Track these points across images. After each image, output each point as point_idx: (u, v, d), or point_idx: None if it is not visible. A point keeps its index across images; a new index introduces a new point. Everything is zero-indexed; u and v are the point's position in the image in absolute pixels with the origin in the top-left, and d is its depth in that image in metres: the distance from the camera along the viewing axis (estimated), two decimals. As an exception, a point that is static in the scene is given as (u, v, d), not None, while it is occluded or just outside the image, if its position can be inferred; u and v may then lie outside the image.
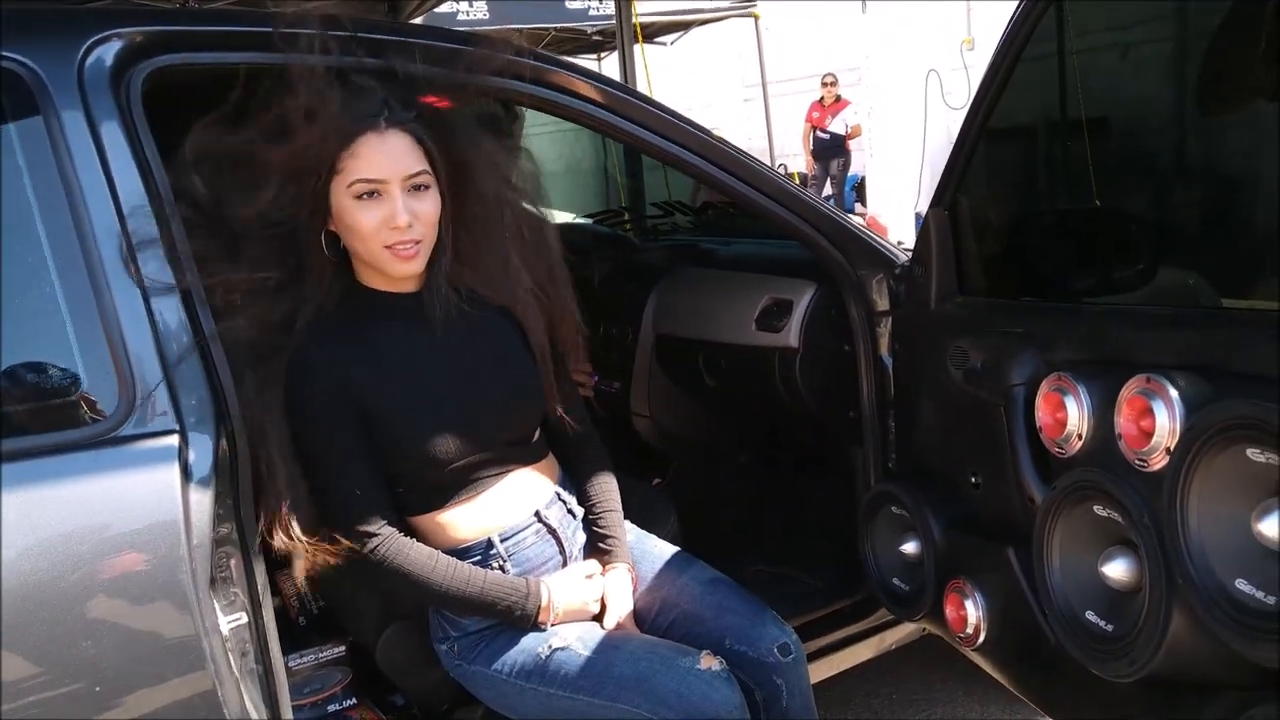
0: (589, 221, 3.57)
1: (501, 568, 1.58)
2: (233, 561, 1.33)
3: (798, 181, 10.21)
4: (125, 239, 1.27)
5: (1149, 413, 1.31)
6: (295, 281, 1.49)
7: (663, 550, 1.76)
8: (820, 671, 2.03)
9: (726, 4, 10.07)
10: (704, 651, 1.51)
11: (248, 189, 1.42)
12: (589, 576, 1.64)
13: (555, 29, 8.89)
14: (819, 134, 10.89)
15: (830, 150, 10.87)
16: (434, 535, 1.57)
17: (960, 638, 1.77)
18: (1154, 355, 1.39)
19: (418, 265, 1.50)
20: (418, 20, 5.14)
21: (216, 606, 1.27)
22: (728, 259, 2.63)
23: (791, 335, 2.10)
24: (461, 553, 1.57)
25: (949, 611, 1.78)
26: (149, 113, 1.35)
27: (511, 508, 1.60)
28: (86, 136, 1.29)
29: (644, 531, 1.81)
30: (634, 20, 6.71)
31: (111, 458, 1.23)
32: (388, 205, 1.44)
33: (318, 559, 1.46)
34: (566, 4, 9.01)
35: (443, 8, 7.21)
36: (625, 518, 1.74)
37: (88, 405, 1.25)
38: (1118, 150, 1.83)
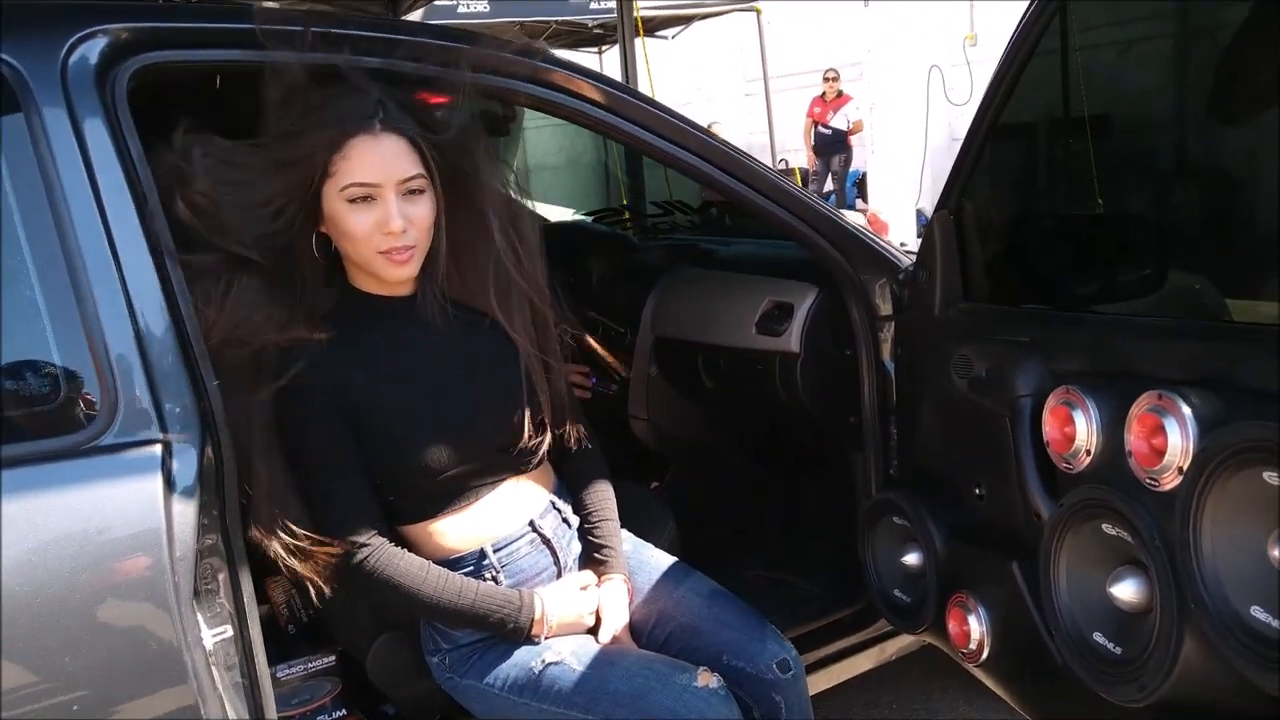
0: (588, 220, 3.54)
1: (494, 579, 1.55)
2: (220, 575, 1.30)
3: (799, 177, 10.24)
4: (109, 242, 1.24)
5: (1161, 430, 1.28)
6: (287, 284, 1.46)
7: (660, 560, 1.73)
8: (819, 683, 2.01)
9: (728, -2, 10.00)
10: (701, 668, 1.48)
11: (237, 193, 1.38)
12: (584, 588, 1.60)
13: (556, 22, 8.82)
14: (820, 129, 10.88)
15: (832, 146, 10.87)
16: (425, 545, 1.54)
17: (963, 653, 1.73)
18: (1163, 368, 1.35)
19: (411, 270, 1.47)
20: (416, 15, 5.10)
21: (200, 620, 1.23)
22: (728, 259, 2.59)
23: (793, 340, 2.06)
24: (453, 563, 1.53)
25: (952, 626, 1.74)
26: (134, 111, 1.31)
27: (505, 517, 1.57)
28: (70, 136, 1.25)
29: (641, 541, 1.77)
30: (635, 14, 6.66)
31: (92, 468, 1.19)
32: (381, 210, 1.41)
33: (306, 568, 1.42)
34: (568, -3, 8.95)
35: (442, 0, 7.17)
36: (622, 524, 1.71)
37: (68, 413, 1.21)
38: (1129, 154, 1.80)
